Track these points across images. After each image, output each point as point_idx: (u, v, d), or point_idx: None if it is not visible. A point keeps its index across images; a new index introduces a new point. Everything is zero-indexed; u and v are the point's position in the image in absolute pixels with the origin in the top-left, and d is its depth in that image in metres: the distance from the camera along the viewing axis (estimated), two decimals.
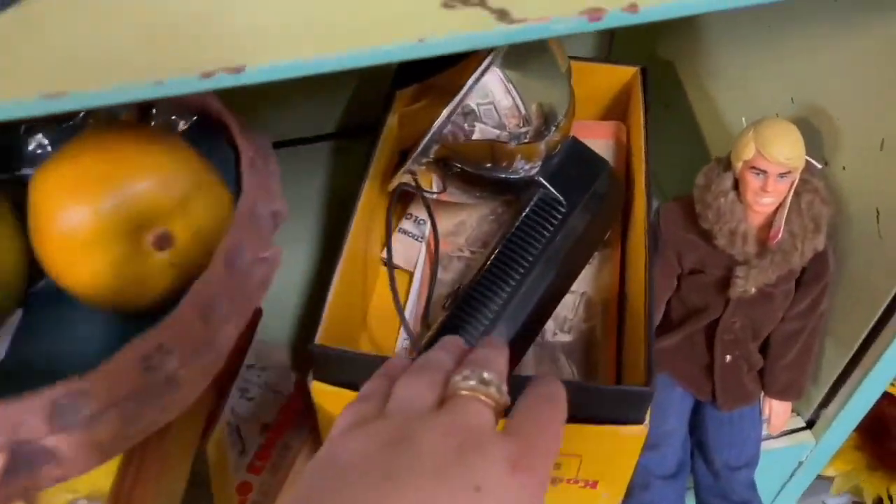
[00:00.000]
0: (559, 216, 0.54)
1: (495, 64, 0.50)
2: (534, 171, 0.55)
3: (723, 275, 0.55)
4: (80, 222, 0.42)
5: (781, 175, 0.51)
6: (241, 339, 0.58)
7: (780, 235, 0.52)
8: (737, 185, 0.53)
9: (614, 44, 0.83)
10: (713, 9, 0.33)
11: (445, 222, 0.66)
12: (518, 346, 0.55)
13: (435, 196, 0.60)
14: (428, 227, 0.65)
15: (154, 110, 0.54)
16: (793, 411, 0.65)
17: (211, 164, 0.48)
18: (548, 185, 0.55)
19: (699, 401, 0.60)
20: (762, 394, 0.61)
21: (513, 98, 0.50)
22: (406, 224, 0.67)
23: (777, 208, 0.53)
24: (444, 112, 0.51)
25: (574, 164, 0.57)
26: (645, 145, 0.59)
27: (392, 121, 0.63)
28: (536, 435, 0.29)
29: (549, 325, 0.59)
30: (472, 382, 0.30)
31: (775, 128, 0.51)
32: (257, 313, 0.61)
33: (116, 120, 0.52)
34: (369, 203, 0.60)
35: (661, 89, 0.74)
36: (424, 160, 0.54)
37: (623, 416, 0.48)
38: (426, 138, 0.52)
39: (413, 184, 0.60)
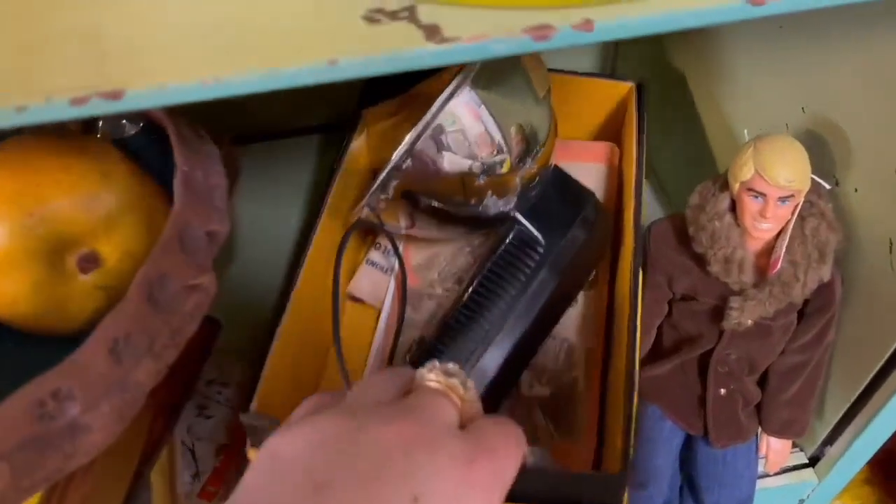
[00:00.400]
0: (537, 256, 0.49)
1: (463, 88, 0.44)
2: (509, 207, 0.49)
3: (717, 304, 0.50)
4: None
5: (783, 199, 0.46)
6: (193, 359, 0.55)
7: (779, 265, 0.47)
8: (734, 206, 0.48)
9: (620, 47, 0.78)
10: (677, 27, 0.28)
11: (416, 255, 0.59)
12: (489, 402, 0.49)
13: (402, 232, 0.54)
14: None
15: None
16: (795, 446, 0.60)
17: (149, 177, 0.44)
18: (524, 222, 0.49)
19: (690, 435, 0.56)
20: (759, 430, 0.56)
21: (484, 124, 0.45)
22: (374, 255, 0.60)
23: (778, 234, 0.48)
24: (402, 146, 0.45)
25: (555, 196, 0.51)
26: (637, 172, 0.53)
27: (358, 143, 0.58)
28: (498, 441, 0.27)
29: (526, 377, 0.53)
30: (437, 373, 0.29)
31: (776, 146, 0.46)
32: (215, 326, 0.57)
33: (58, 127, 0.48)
34: (331, 232, 0.54)
35: (668, 93, 0.69)
36: (384, 196, 0.48)
37: (597, 500, 0.42)
38: (384, 172, 0.46)
39: (376, 219, 0.54)
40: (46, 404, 0.32)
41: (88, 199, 0.40)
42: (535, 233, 0.49)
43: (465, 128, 0.45)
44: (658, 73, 0.70)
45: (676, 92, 0.68)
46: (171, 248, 0.38)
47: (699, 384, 0.54)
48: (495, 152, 0.46)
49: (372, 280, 0.59)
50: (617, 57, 0.80)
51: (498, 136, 0.45)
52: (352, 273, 0.59)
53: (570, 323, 0.54)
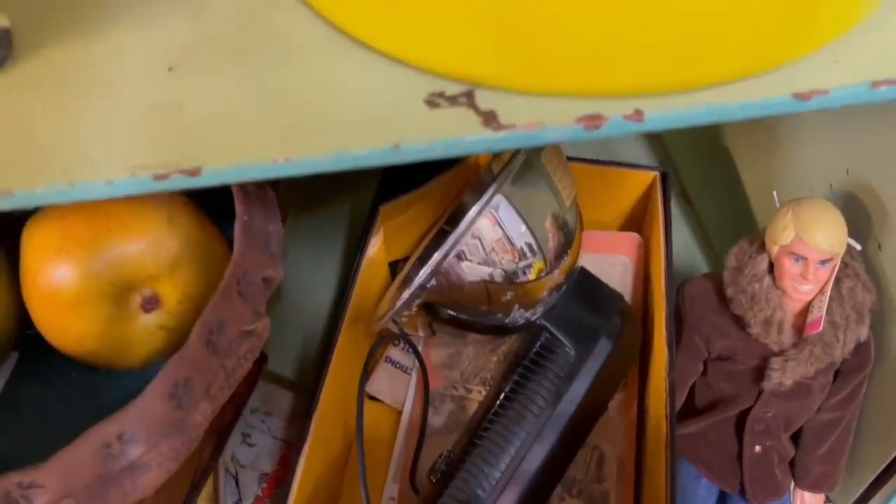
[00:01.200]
0: (567, 365, 0.47)
1: (489, 207, 0.44)
2: (535, 317, 0.49)
3: (756, 364, 0.51)
4: (64, 282, 0.41)
5: (822, 262, 0.47)
6: (241, 390, 0.57)
7: (821, 326, 0.48)
8: (772, 267, 0.49)
9: None
10: (725, 120, 0.29)
11: (437, 354, 0.59)
12: None
13: (422, 338, 0.54)
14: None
15: None
16: (828, 502, 0.60)
17: (209, 219, 0.46)
18: (552, 330, 0.48)
19: (723, 492, 0.56)
20: (792, 485, 0.56)
21: (502, 229, 0.44)
22: (393, 352, 0.59)
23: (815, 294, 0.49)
24: (427, 266, 0.45)
25: (582, 301, 0.49)
26: (665, 272, 0.52)
27: (376, 240, 0.58)
28: None
29: (556, 488, 0.51)
30: None
31: (816, 211, 0.46)
32: (261, 358, 0.59)
33: None
34: (354, 336, 0.55)
35: (713, 146, 0.70)
36: (407, 312, 0.48)
37: None
38: (408, 292, 0.46)
39: (396, 329, 0.54)
40: (112, 446, 0.35)
41: (155, 244, 0.42)
42: (564, 341, 0.47)
43: (482, 234, 0.44)
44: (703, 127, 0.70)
45: (721, 146, 0.69)
46: (230, 295, 0.40)
47: (734, 441, 0.54)
48: (517, 258, 0.45)
49: (391, 379, 0.58)
50: None
51: (520, 242, 0.45)
52: (362, 362, 0.57)
53: (600, 429, 0.52)
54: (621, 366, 0.52)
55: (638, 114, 0.29)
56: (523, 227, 0.47)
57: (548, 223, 0.48)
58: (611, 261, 0.60)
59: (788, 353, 0.49)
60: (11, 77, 0.32)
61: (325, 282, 0.71)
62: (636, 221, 0.65)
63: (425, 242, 0.63)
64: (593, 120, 0.29)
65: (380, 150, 0.29)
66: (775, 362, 0.49)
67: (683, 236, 0.73)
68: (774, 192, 0.50)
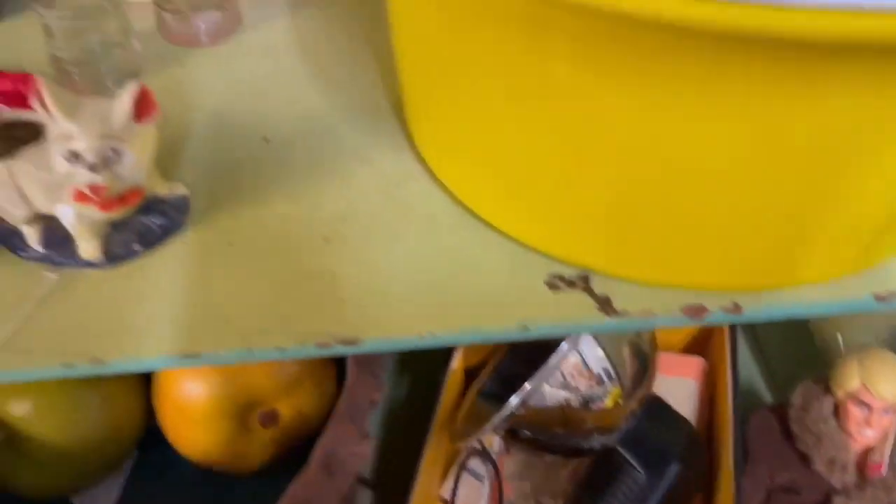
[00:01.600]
0: (637, 488, 0.50)
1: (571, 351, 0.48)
2: (611, 441, 0.53)
3: (819, 499, 0.53)
4: (195, 399, 0.46)
5: (886, 410, 0.50)
6: None
7: (883, 469, 0.51)
8: (836, 409, 0.52)
9: None
10: (810, 316, 0.33)
11: (511, 463, 0.62)
12: None
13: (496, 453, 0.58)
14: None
15: None
16: None
17: None
18: (625, 454, 0.52)
19: None
20: None
21: (581, 356, 0.48)
22: (471, 462, 0.62)
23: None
24: (516, 396, 0.48)
25: (654, 426, 0.53)
26: (732, 404, 0.55)
27: (457, 354, 0.63)
28: None
29: None
30: None
31: (883, 363, 0.50)
32: None
33: None
34: (440, 447, 0.59)
35: None
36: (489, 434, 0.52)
37: None
38: (498, 418, 0.49)
39: (478, 444, 0.58)
40: None
41: (278, 368, 0.47)
42: (635, 465, 0.50)
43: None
44: None
45: None
46: (343, 421, 0.45)
47: None
48: (594, 383, 0.48)
49: (467, 487, 0.60)
50: None
51: (598, 367, 0.48)
52: (443, 470, 0.62)
53: None
54: (688, 490, 0.54)
55: (737, 307, 0.33)
56: (600, 353, 0.51)
57: (625, 351, 0.52)
58: (676, 383, 0.63)
59: (851, 492, 0.52)
60: (187, 241, 0.37)
61: (401, 383, 0.75)
62: (700, 344, 0.68)
63: (499, 355, 0.67)
64: (698, 311, 0.33)
65: (510, 329, 0.33)
66: (837, 500, 0.52)
67: (743, 357, 0.76)
68: (839, 335, 0.54)
